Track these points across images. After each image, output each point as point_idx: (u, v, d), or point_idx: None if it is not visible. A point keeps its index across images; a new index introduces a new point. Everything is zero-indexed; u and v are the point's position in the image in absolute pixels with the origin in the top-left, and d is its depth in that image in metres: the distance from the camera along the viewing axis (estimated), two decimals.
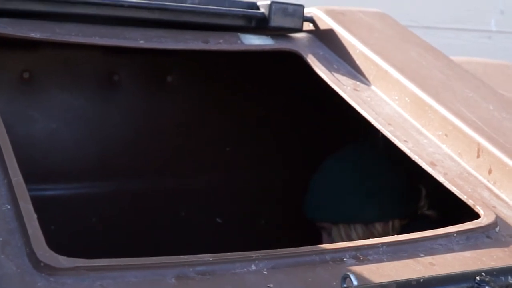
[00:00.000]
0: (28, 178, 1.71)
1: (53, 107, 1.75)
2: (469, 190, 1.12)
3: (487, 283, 0.85)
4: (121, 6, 1.39)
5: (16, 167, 0.88)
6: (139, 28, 1.43)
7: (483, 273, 0.86)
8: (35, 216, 0.80)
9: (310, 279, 0.83)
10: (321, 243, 1.39)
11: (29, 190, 1.82)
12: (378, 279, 0.84)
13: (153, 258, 0.80)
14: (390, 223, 1.44)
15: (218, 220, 1.84)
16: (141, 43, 1.38)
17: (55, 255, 0.76)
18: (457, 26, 3.07)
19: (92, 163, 1.83)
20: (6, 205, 0.81)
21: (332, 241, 1.44)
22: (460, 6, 3.06)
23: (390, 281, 0.79)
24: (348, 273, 0.82)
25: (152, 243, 1.72)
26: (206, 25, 1.50)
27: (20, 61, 1.67)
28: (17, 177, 0.85)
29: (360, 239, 1.40)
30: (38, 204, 1.75)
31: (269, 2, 1.52)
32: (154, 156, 1.88)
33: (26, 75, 1.68)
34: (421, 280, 0.81)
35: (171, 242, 1.70)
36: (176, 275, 0.80)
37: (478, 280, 0.86)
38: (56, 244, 1.67)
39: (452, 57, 1.74)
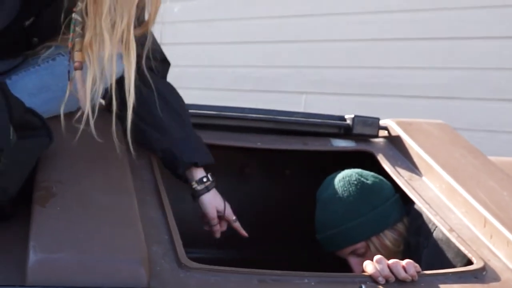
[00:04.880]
0: None
1: None
2: (474, 248, 1.60)
3: None
4: (246, 119, 2.03)
5: (171, 215, 1.49)
6: (259, 134, 2.06)
7: None
8: (180, 241, 1.41)
9: (337, 287, 1.36)
10: (353, 271, 1.80)
11: None
12: None
13: (246, 269, 1.38)
14: (405, 220, 1.80)
15: None
16: (258, 145, 2.01)
17: (190, 261, 1.35)
18: None
19: (227, 234, 2.43)
20: (165, 236, 1.43)
21: (362, 259, 1.69)
22: None
23: None
24: (362, 285, 1.36)
25: None
26: (307, 132, 2.10)
27: None
28: (170, 215, 1.47)
29: (392, 243, 1.77)
30: None
31: (353, 116, 2.10)
32: (275, 228, 2.45)
33: None
34: None
35: None
36: (258, 279, 1.36)
37: None
38: None
39: (503, 158, 2.22)
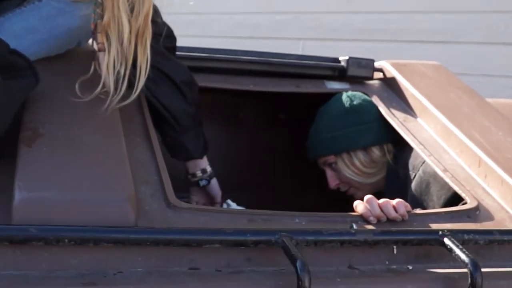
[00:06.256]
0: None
1: None
2: (468, 188, 1.58)
3: (446, 236, 1.32)
4: (239, 61, 1.99)
5: (161, 156, 1.47)
6: (252, 76, 2.02)
7: (445, 230, 1.34)
8: (170, 182, 1.39)
9: (327, 226, 1.35)
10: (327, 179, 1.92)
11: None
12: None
13: (234, 209, 1.36)
14: (385, 147, 1.86)
15: None
16: (251, 87, 1.97)
17: (179, 201, 1.34)
18: None
19: (221, 177, 2.42)
20: (154, 176, 1.41)
21: (337, 174, 1.87)
22: None
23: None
24: (353, 224, 1.34)
25: None
26: (301, 75, 2.07)
27: None
28: (160, 156, 1.45)
29: (361, 164, 1.86)
30: None
31: (347, 57, 2.06)
32: (266, 172, 2.44)
33: None
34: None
35: None
36: (248, 219, 1.35)
37: (440, 234, 1.33)
38: None
39: (500, 99, 2.19)
